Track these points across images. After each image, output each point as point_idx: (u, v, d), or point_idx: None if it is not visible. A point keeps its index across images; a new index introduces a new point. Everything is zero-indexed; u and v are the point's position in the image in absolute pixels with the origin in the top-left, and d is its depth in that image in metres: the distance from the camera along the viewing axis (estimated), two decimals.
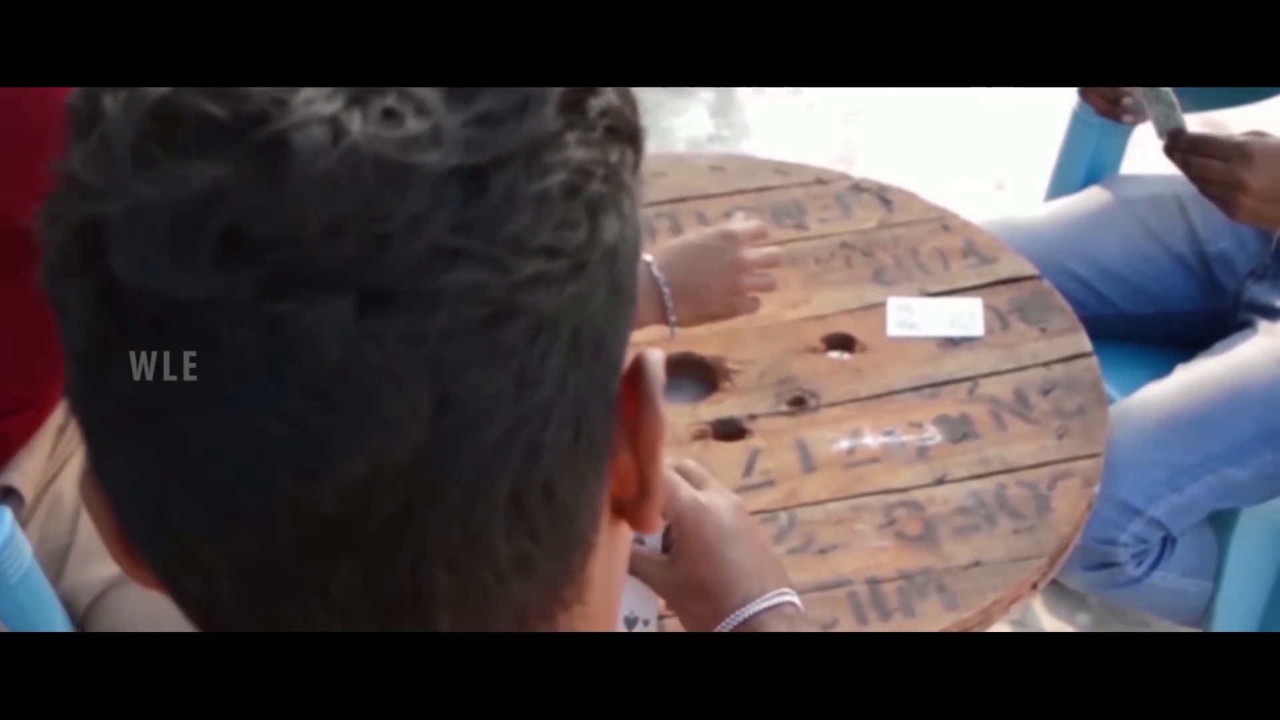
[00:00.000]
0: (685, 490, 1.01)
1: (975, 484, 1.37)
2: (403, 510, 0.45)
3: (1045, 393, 1.47)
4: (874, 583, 1.29)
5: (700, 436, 1.44)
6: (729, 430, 1.45)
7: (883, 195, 1.73)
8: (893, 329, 1.54)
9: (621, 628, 1.06)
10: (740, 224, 1.45)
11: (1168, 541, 1.53)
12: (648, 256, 1.38)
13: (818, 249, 1.66)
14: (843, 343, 1.55)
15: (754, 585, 0.97)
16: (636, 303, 0.54)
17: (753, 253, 1.42)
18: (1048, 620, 2.03)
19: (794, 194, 1.74)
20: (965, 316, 1.55)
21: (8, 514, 1.23)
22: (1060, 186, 1.89)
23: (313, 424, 0.43)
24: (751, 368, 1.51)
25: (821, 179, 1.76)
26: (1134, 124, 1.66)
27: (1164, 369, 1.64)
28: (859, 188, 1.75)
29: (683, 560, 1.00)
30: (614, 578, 0.58)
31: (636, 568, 1.03)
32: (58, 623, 1.31)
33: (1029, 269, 1.61)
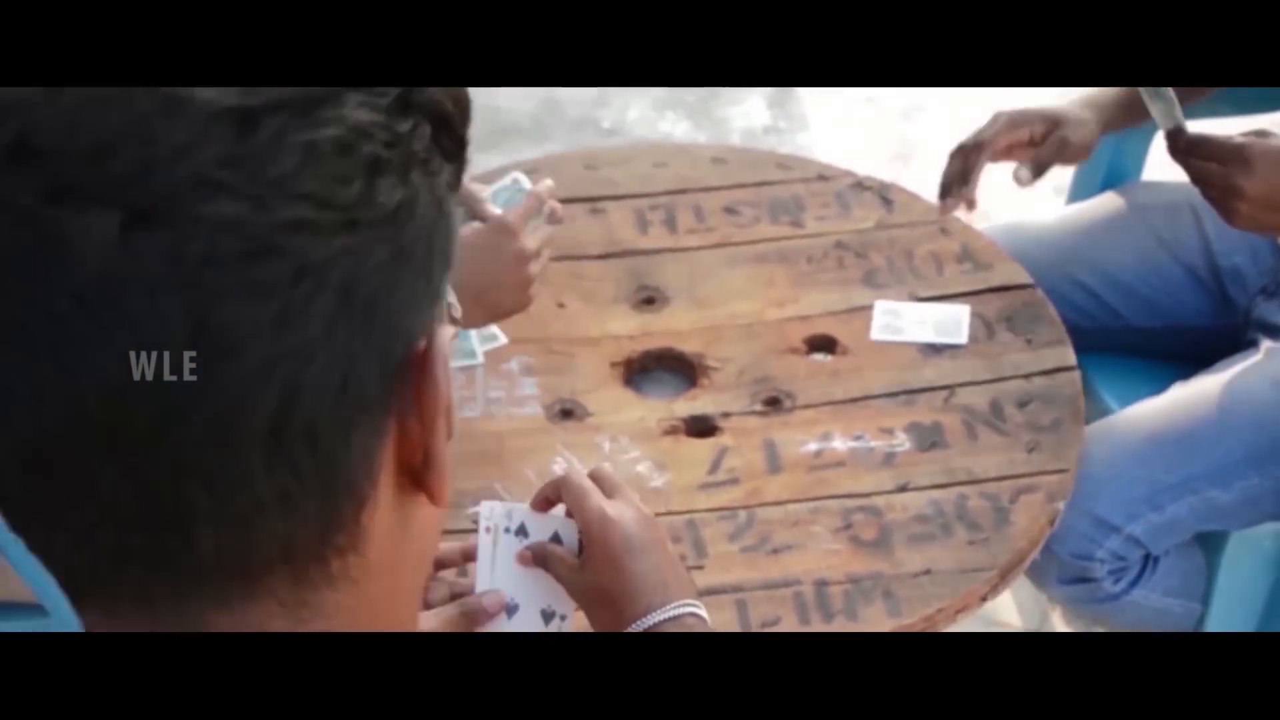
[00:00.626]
0: (594, 499, 1.03)
1: (937, 493, 1.37)
2: (159, 422, 0.48)
3: (1022, 405, 1.46)
4: (822, 584, 1.29)
5: (672, 432, 1.44)
6: (701, 427, 1.45)
7: (884, 195, 1.72)
8: (876, 332, 1.53)
9: (539, 620, 1.08)
10: (512, 214, 1.36)
11: (1149, 560, 1.51)
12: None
13: (811, 247, 1.65)
14: (825, 345, 1.54)
15: (656, 596, 0.99)
16: (438, 282, 0.56)
17: (532, 240, 1.36)
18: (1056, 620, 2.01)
19: (795, 190, 1.74)
20: (950, 323, 1.54)
21: None
22: (1079, 191, 1.86)
23: (74, 326, 0.47)
24: (730, 366, 1.51)
25: (824, 175, 1.76)
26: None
27: (1167, 385, 1.61)
28: (861, 186, 1.74)
29: (590, 567, 1.02)
30: (410, 545, 0.60)
31: (550, 566, 1.05)
32: None
33: (1023, 277, 1.60)
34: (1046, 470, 1.39)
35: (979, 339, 1.53)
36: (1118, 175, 1.81)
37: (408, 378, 0.55)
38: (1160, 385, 1.63)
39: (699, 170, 1.77)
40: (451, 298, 1.23)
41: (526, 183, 1.43)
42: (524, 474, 1.40)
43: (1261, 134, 1.41)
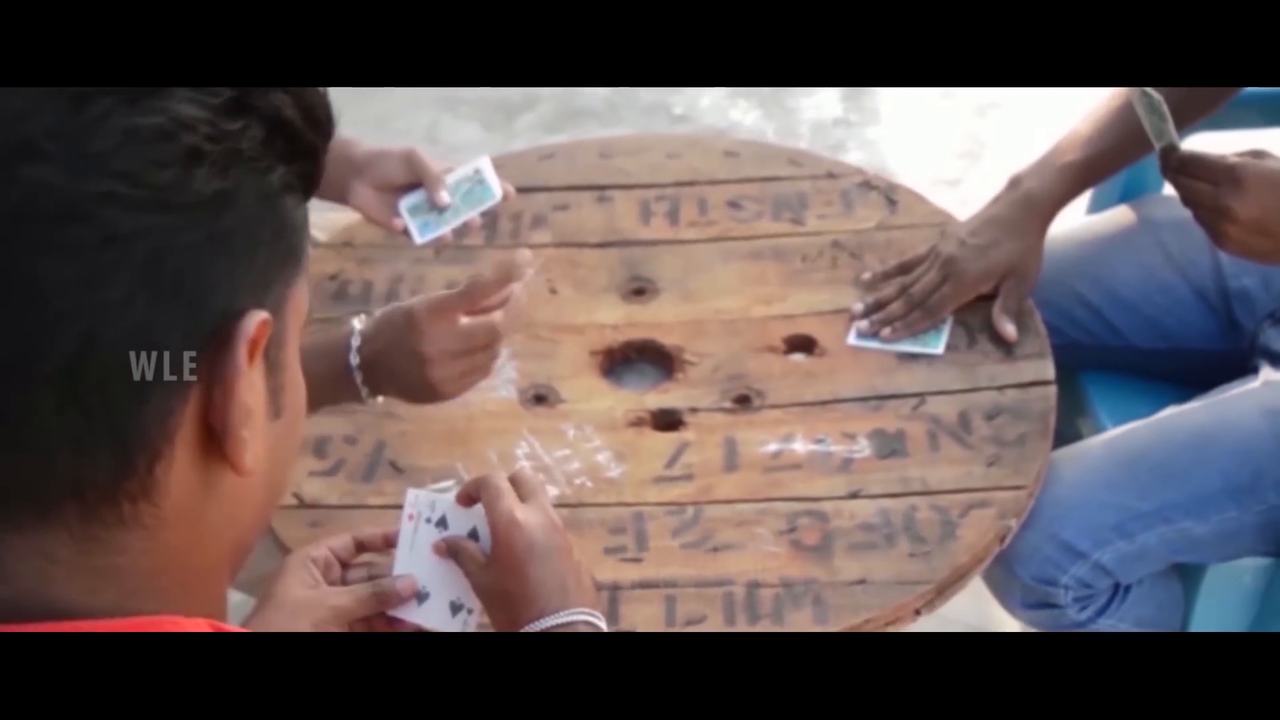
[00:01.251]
0: (506, 502, 1.06)
1: (887, 502, 1.37)
2: None
3: (990, 418, 1.45)
4: (754, 586, 1.30)
5: (637, 424, 1.46)
6: (666, 421, 1.47)
7: (890, 195, 1.72)
8: (851, 338, 1.53)
9: (447, 611, 1.12)
10: (426, 304, 1.22)
11: (1118, 589, 1.48)
12: (357, 323, 1.24)
13: (807, 246, 1.65)
14: (804, 345, 1.55)
15: (552, 602, 1.03)
16: (265, 272, 0.63)
17: (439, 340, 1.21)
18: None
19: (801, 186, 1.74)
20: (929, 332, 1.53)
21: None
22: (1099, 202, 1.83)
23: None
24: (707, 361, 1.53)
25: (833, 173, 1.75)
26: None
27: (1166, 408, 1.58)
28: (869, 185, 1.73)
29: (494, 567, 1.06)
30: (216, 506, 0.67)
31: (461, 561, 1.09)
32: None
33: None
34: (1003, 486, 1.38)
35: (959, 347, 1.52)
36: (1137, 187, 1.77)
37: (217, 352, 0.62)
38: (1159, 408, 1.60)
39: (710, 163, 1.78)
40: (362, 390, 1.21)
41: (490, 174, 1.45)
42: (487, 455, 1.43)
43: (1258, 154, 1.37)
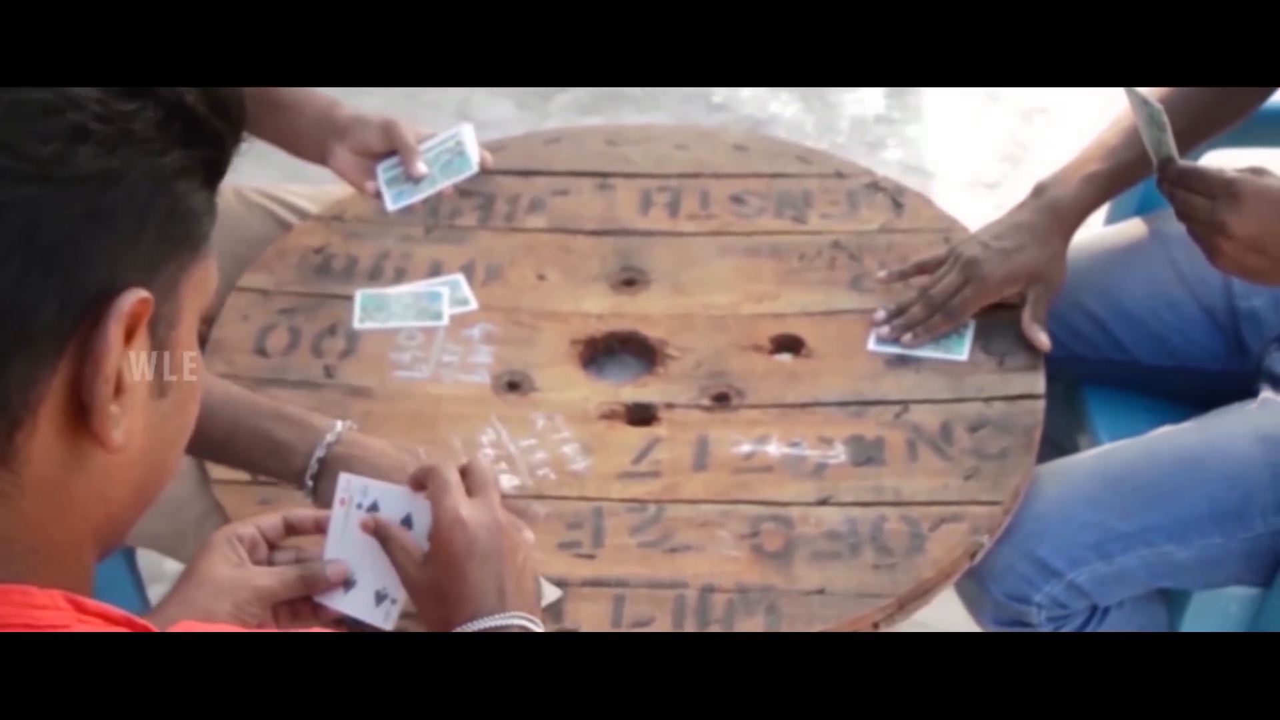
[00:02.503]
0: (452, 498, 1.03)
1: (857, 511, 1.32)
2: None
3: (973, 430, 1.39)
4: (708, 590, 1.26)
5: (610, 416, 1.43)
6: (641, 415, 1.43)
7: (897, 198, 1.66)
8: (871, 343, 1.48)
9: (371, 600, 1.09)
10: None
11: (1096, 610, 1.42)
12: (339, 426, 1.24)
13: (806, 245, 1.61)
14: (791, 345, 1.50)
15: (487, 604, 1.00)
16: (152, 253, 0.64)
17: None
18: None
19: (807, 184, 1.69)
20: (951, 337, 1.47)
21: None
22: (1115, 213, 1.76)
23: None
24: (690, 357, 1.49)
25: (841, 172, 1.70)
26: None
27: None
28: (876, 186, 1.68)
29: (431, 564, 1.03)
30: (84, 481, 0.66)
31: (389, 548, 1.06)
32: None
33: (1013, 296, 1.52)
34: (978, 500, 1.32)
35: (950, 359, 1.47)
36: (1154, 200, 1.70)
37: (92, 326, 0.62)
38: (1160, 426, 1.54)
39: (717, 156, 1.74)
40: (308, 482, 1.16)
41: (470, 144, 1.42)
42: (450, 441, 1.40)
43: (1257, 171, 1.31)
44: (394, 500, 1.08)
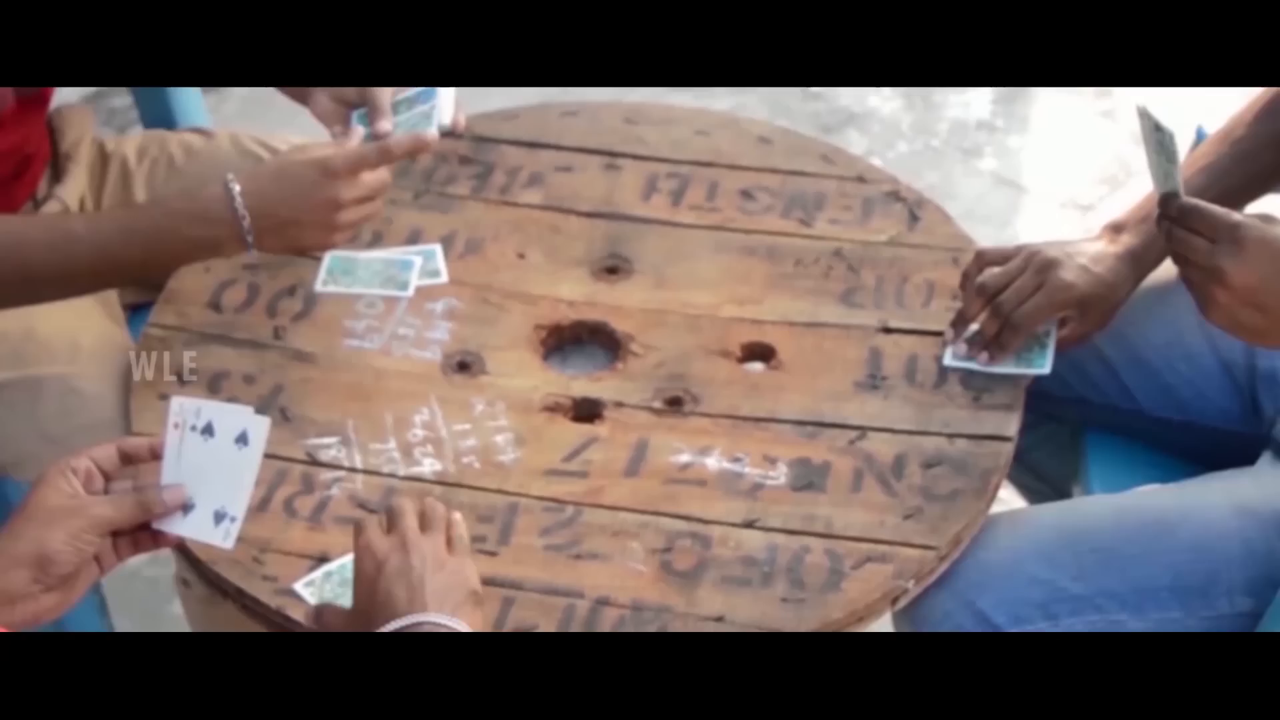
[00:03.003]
0: (365, 535, 1.07)
1: (781, 538, 1.23)
2: None
3: (928, 466, 1.29)
4: (601, 603, 1.19)
5: (552, 409, 1.36)
6: (586, 411, 1.36)
7: (915, 210, 1.56)
8: (947, 359, 1.37)
9: (211, 521, 1.08)
10: (344, 153, 1.32)
11: None
12: (235, 184, 1.31)
13: (806, 250, 1.51)
14: (763, 354, 1.41)
15: (398, 609, 1.02)
16: None
17: (350, 188, 1.32)
18: None
19: (823, 186, 1.59)
20: (1033, 350, 1.36)
21: None
22: None
23: None
24: (654, 355, 1.41)
25: (864, 177, 1.60)
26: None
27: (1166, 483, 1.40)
28: (896, 195, 1.58)
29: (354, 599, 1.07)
30: None
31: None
32: None
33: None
34: (911, 543, 1.23)
35: (924, 384, 1.37)
36: None
37: None
38: (1160, 482, 1.42)
39: (738, 146, 1.65)
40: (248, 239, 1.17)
41: (444, 107, 1.37)
42: (383, 418, 1.35)
43: (1266, 219, 1.18)
44: (228, 418, 1.07)
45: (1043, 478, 1.61)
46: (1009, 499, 1.79)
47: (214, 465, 1.07)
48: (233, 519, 1.07)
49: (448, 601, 1.01)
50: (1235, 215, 1.18)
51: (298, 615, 1.18)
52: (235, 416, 1.07)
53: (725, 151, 1.64)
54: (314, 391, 1.37)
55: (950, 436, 1.31)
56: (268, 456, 1.29)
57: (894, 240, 1.52)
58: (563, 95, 1.75)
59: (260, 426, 1.07)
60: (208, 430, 1.07)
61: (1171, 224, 1.21)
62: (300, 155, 1.34)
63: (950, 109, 2.71)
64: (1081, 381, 1.47)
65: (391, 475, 1.30)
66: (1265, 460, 1.32)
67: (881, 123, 2.66)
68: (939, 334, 1.41)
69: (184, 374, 1.39)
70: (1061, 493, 1.56)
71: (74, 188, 1.57)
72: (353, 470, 1.30)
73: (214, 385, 1.38)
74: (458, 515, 1.10)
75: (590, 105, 1.71)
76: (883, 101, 2.71)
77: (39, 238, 1.30)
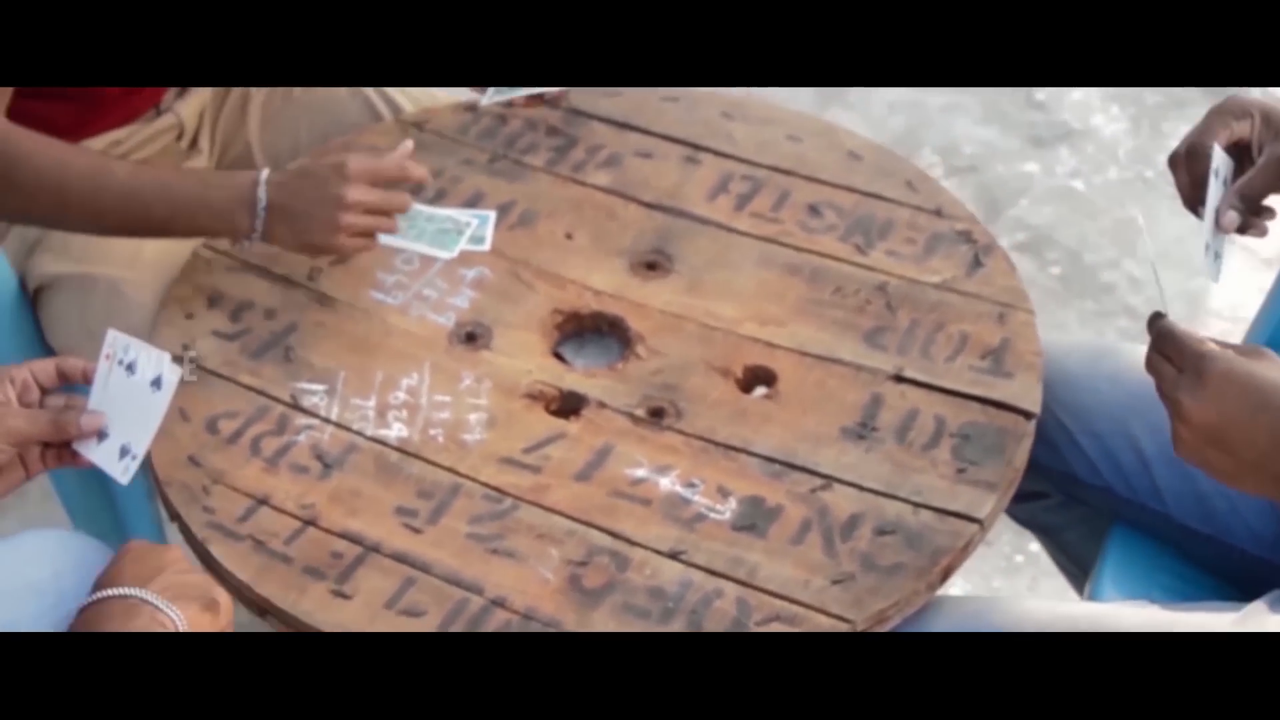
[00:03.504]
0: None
1: (699, 576, 1.20)
2: None
3: (880, 532, 1.23)
4: (495, 604, 1.18)
5: (535, 397, 1.35)
6: (567, 406, 1.35)
7: (980, 256, 1.47)
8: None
9: (116, 454, 1.13)
10: (360, 158, 1.36)
11: None
12: (265, 173, 1.36)
13: (850, 278, 1.45)
14: (764, 379, 1.37)
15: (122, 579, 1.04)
16: None
17: (361, 193, 1.34)
18: None
19: (897, 213, 1.52)
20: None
21: None
22: (1257, 330, 1.48)
23: None
24: (656, 360, 1.38)
25: (943, 211, 1.52)
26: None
27: (1190, 601, 1.29)
28: (967, 237, 1.49)
29: None
30: None
31: None
32: (5, 284, 1.53)
33: (1030, 403, 1.32)
34: (827, 611, 1.17)
35: (913, 444, 1.29)
36: None
37: None
38: (1178, 596, 1.31)
39: (824, 158, 1.59)
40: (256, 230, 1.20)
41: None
42: (375, 374, 1.37)
43: (1252, 351, 1.06)
44: (149, 360, 1.12)
45: (1073, 559, 1.51)
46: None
47: (130, 402, 1.12)
48: (134, 457, 1.12)
49: (172, 591, 1.02)
50: (1205, 346, 1.06)
51: (220, 554, 1.22)
52: (154, 360, 1.12)
53: (809, 161, 1.58)
54: (322, 337, 1.41)
55: (916, 505, 1.24)
56: (256, 391, 1.35)
57: (945, 284, 1.44)
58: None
59: (173, 374, 1.11)
60: (131, 367, 1.12)
61: (1151, 346, 1.11)
62: (328, 156, 1.39)
63: (1176, 139, 2.52)
64: (1113, 471, 1.36)
65: (359, 434, 1.32)
66: (1265, 603, 1.19)
67: (1098, 143, 2.50)
68: (951, 393, 1.33)
69: (214, 299, 1.45)
70: (1087, 578, 1.46)
71: (195, 104, 1.64)
72: (326, 421, 1.33)
73: (236, 314, 1.43)
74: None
75: (695, 94, 1.68)
76: (1107, 121, 2.55)
77: (81, 167, 1.36)
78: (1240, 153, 1.27)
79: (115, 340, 1.13)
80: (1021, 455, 1.28)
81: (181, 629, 1.00)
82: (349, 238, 1.36)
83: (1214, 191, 1.23)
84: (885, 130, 2.57)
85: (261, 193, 1.35)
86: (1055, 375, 1.38)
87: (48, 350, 1.55)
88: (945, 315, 1.41)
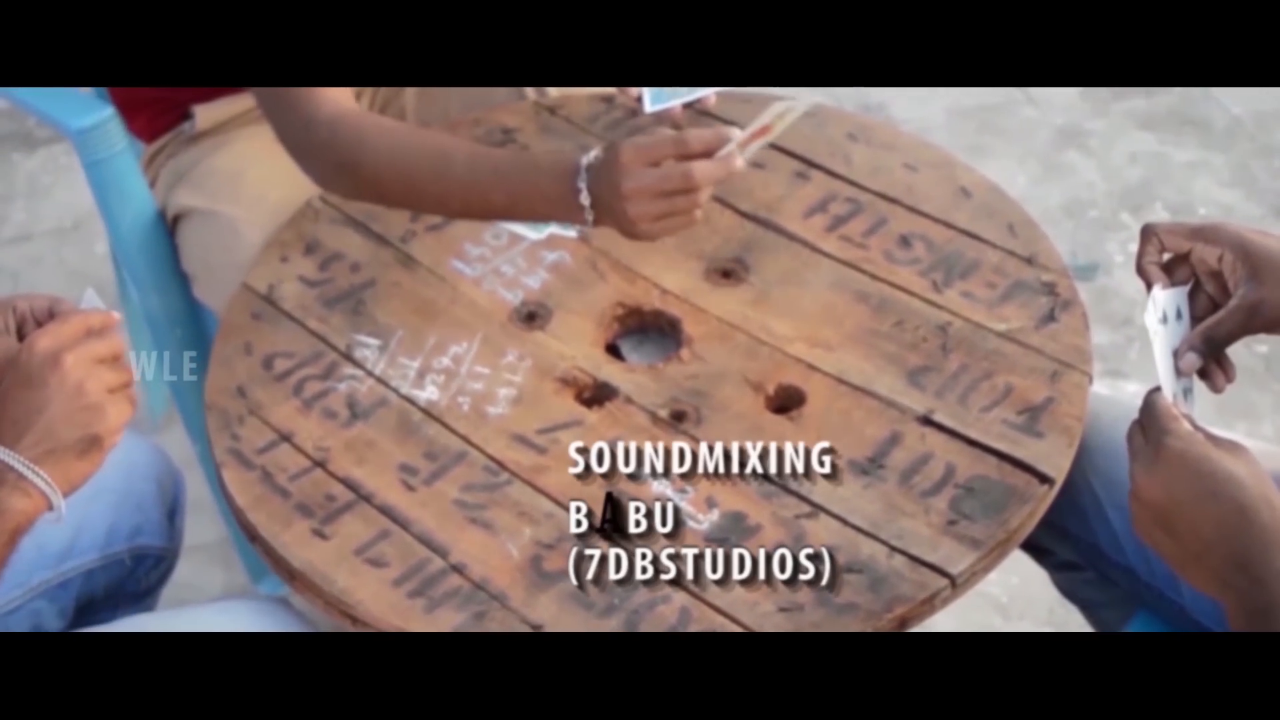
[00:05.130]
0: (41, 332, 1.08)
1: (646, 590, 1.20)
2: None
3: (846, 570, 1.20)
4: (454, 569, 1.22)
5: (568, 383, 1.38)
6: (595, 396, 1.38)
7: (1056, 311, 1.40)
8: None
9: None
10: (631, 144, 1.28)
11: None
12: (592, 154, 1.31)
13: (914, 314, 1.41)
14: (792, 402, 1.35)
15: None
16: None
17: (632, 178, 1.27)
18: None
19: (986, 255, 1.46)
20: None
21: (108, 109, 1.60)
22: None
23: None
24: (696, 365, 1.39)
25: (1035, 260, 1.45)
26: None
27: None
28: (1051, 289, 1.42)
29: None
30: None
31: None
32: (143, 208, 1.67)
33: (1051, 468, 1.25)
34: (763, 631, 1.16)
35: (914, 488, 1.25)
36: None
37: None
38: None
39: (933, 190, 1.55)
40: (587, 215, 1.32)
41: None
42: (429, 338, 1.43)
43: (1224, 442, 0.99)
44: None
45: (1095, 618, 1.43)
46: None
47: None
48: None
49: (46, 443, 1.02)
50: (1174, 424, 0.99)
51: (228, 478, 1.31)
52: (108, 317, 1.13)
53: (916, 191, 1.55)
54: (394, 296, 1.48)
55: (893, 550, 1.21)
56: (318, 336, 1.43)
57: (1009, 333, 1.38)
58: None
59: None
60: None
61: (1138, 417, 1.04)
62: (620, 141, 1.32)
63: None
64: (1136, 550, 1.28)
65: (394, 390, 1.38)
66: None
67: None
68: (973, 443, 1.28)
69: (310, 246, 1.54)
70: None
71: None
72: (369, 374, 1.40)
73: (325, 263, 1.52)
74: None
75: (829, 111, 1.67)
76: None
77: (424, 154, 1.37)
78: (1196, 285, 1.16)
79: (90, 298, 1.16)
80: (1021, 519, 1.22)
81: (53, 503, 1.02)
82: (652, 223, 1.31)
83: (1170, 334, 1.12)
84: (1119, 179, 2.46)
85: (581, 182, 1.31)
86: (1097, 441, 1.30)
87: (179, 275, 1.68)
88: (997, 365, 1.36)
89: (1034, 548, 1.41)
